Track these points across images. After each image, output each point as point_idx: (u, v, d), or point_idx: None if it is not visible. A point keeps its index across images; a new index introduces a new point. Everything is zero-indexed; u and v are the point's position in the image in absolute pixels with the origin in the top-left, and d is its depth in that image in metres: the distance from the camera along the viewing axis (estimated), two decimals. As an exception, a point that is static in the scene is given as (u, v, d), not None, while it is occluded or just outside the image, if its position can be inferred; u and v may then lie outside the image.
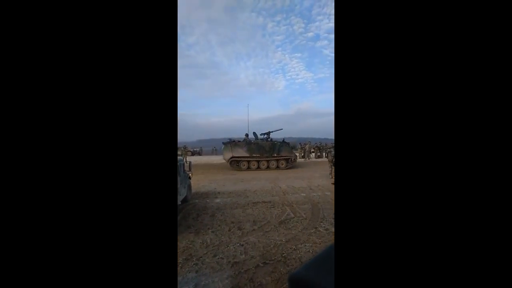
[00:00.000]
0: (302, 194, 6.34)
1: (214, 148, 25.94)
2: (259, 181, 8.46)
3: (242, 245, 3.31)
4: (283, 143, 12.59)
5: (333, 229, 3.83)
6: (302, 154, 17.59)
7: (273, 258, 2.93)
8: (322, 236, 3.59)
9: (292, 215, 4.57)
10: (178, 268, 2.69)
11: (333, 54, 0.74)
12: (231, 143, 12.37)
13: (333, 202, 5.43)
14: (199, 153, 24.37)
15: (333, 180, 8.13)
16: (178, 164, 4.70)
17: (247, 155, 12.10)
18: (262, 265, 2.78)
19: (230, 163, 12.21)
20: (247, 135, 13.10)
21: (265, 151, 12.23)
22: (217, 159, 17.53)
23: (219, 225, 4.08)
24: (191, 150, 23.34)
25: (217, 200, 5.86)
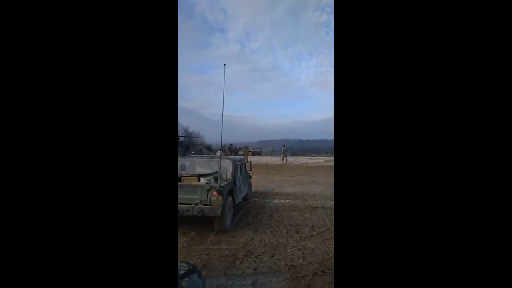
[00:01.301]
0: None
1: (273, 149, 26.27)
2: (318, 185, 8.11)
3: (300, 249, 3.26)
4: None
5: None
6: None
7: (332, 268, 2.77)
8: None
9: (356, 225, 4.19)
10: (238, 263, 2.87)
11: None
12: None
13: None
14: (259, 154, 25.18)
15: None
16: (240, 163, 4.99)
17: None
18: (320, 273, 2.67)
19: None
20: None
21: None
22: (276, 160, 17.71)
23: (277, 226, 4.14)
24: (252, 150, 24.36)
25: (275, 201, 5.94)
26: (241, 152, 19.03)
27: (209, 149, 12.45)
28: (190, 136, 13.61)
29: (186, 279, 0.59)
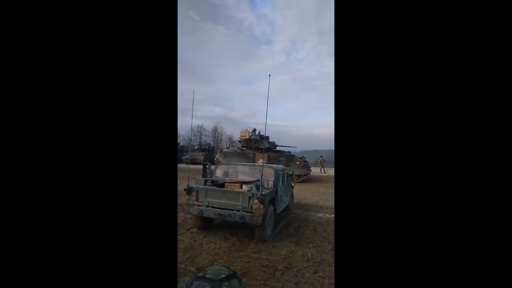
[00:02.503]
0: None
1: (318, 160, 25.20)
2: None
3: (347, 269, 2.97)
4: None
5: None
6: None
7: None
8: None
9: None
10: (278, 275, 2.77)
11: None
12: None
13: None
14: (302, 164, 24.40)
15: None
16: (282, 172, 4.92)
17: None
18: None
19: None
20: None
21: None
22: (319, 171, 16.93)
23: (321, 241, 3.88)
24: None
25: (319, 215, 5.62)
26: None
27: (304, 160, 11.93)
28: (286, 146, 12.91)
29: (226, 283, 0.59)
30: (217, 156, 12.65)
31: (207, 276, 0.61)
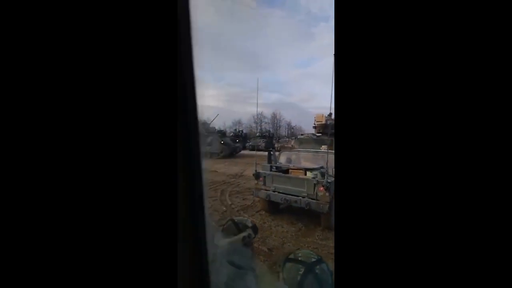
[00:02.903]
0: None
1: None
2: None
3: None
4: None
5: None
6: None
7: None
8: None
9: None
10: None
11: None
12: None
13: None
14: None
15: None
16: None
17: None
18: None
19: None
20: None
21: None
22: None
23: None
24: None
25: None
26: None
27: None
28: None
29: (318, 266, 0.63)
30: (292, 142, 12.69)
31: (299, 258, 0.66)
